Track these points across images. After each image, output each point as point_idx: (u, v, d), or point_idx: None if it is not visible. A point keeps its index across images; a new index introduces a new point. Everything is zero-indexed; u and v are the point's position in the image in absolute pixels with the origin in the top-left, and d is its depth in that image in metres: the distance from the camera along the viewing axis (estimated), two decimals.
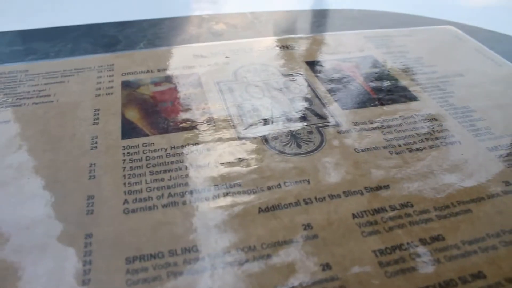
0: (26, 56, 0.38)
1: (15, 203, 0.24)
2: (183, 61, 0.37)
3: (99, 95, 0.32)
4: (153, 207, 0.23)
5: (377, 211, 0.24)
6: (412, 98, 0.34)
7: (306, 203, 0.24)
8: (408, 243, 0.22)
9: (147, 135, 0.28)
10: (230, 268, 0.21)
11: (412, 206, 0.24)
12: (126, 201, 0.24)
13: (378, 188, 0.25)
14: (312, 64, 0.38)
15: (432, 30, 0.47)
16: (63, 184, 0.25)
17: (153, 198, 0.24)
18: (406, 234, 0.23)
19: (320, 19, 0.52)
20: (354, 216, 0.24)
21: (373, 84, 0.35)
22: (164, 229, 0.22)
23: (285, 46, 0.41)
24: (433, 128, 0.31)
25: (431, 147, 0.29)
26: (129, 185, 0.25)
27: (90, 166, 0.26)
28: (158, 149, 0.27)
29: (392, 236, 0.23)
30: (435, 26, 0.48)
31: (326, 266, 0.21)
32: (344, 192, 0.25)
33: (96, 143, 0.28)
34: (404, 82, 0.36)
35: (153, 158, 0.27)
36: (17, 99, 0.32)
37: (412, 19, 0.52)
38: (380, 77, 0.37)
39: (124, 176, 0.25)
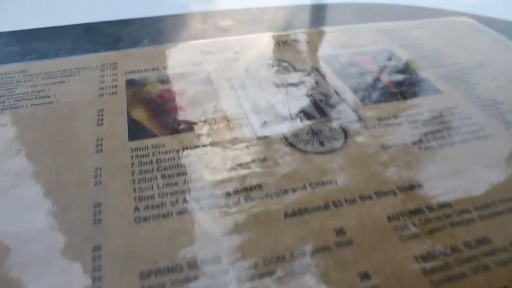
0: (24, 57, 0.36)
1: (15, 213, 0.21)
2: (190, 58, 0.35)
3: (102, 95, 0.30)
4: (167, 214, 0.21)
5: (413, 212, 0.22)
6: (435, 91, 0.32)
7: (336, 205, 0.22)
8: (451, 247, 0.20)
9: (156, 135, 0.26)
10: (259, 280, 0.18)
11: (450, 206, 0.22)
12: (137, 209, 0.21)
13: (412, 187, 0.23)
14: (326, 59, 0.36)
15: (447, 22, 0.45)
16: (66, 191, 0.22)
17: (167, 205, 0.22)
18: (448, 237, 0.21)
19: (328, 13, 0.50)
20: (389, 218, 0.21)
21: (393, 78, 0.33)
22: (181, 238, 0.20)
23: (296, 41, 0.39)
24: (461, 122, 0.29)
25: (462, 141, 0.27)
26: (139, 190, 0.22)
27: (95, 171, 0.24)
28: (169, 151, 0.25)
29: (434, 239, 0.20)
30: (449, 17, 0.46)
31: (365, 276, 0.19)
32: (375, 193, 0.23)
33: (101, 145, 0.25)
34: (424, 74, 0.34)
35: (165, 160, 0.24)
36: (14, 100, 0.29)
37: (423, 11, 0.50)
38: (399, 70, 0.34)
39: (134, 180, 0.23)
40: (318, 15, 0.49)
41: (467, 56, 0.37)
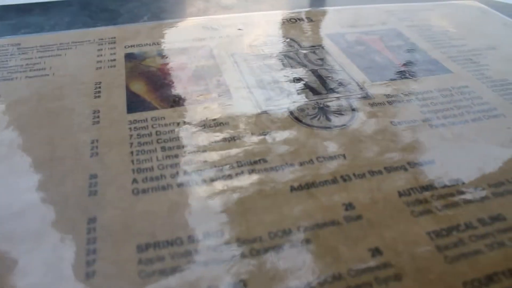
0: (18, 30, 0.35)
1: (6, 184, 0.20)
2: (192, 34, 0.34)
3: (100, 67, 0.29)
4: (167, 187, 0.20)
5: (425, 188, 0.21)
6: (445, 70, 0.31)
7: (344, 180, 0.21)
8: (465, 224, 0.19)
9: (156, 108, 0.25)
10: (264, 255, 0.17)
11: (463, 183, 0.21)
12: (135, 180, 0.20)
13: (423, 163, 0.22)
14: (333, 37, 0.35)
15: (456, 5, 0.43)
16: (61, 162, 0.21)
17: (167, 177, 0.21)
18: (462, 213, 0.20)
19: None
20: (400, 194, 0.20)
21: (401, 57, 0.32)
22: (181, 211, 0.19)
23: (301, 19, 0.38)
24: (472, 101, 0.28)
25: (473, 120, 0.26)
26: (137, 162, 0.21)
27: (92, 143, 0.23)
28: (170, 123, 0.24)
29: (447, 216, 0.19)
30: (457, 1, 0.45)
31: (376, 251, 0.18)
32: (385, 168, 0.22)
33: (98, 117, 0.24)
34: (433, 55, 0.33)
35: (165, 133, 0.23)
36: (8, 72, 0.28)
37: None
38: (408, 50, 0.33)
39: (132, 152, 0.22)
40: None
41: (477, 39, 0.36)
